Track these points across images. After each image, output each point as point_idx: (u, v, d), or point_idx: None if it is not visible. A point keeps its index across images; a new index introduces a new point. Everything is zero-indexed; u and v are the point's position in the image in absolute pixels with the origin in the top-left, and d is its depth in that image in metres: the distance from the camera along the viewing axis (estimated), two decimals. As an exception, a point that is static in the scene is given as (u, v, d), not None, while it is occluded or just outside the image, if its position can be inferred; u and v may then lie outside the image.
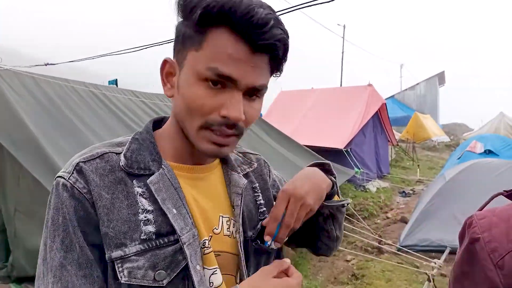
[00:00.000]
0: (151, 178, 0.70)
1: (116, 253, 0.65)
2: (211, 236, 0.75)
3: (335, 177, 0.91)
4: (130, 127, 4.51)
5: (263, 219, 0.81)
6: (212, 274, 0.72)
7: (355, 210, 6.68)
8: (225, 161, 0.84)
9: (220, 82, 0.64)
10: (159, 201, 0.68)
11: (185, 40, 0.66)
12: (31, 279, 3.36)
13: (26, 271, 3.38)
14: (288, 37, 0.66)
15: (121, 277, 0.64)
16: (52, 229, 0.66)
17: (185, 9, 0.65)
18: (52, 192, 0.69)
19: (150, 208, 0.68)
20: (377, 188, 8.88)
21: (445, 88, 30.43)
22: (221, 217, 0.77)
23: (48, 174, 3.02)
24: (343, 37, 22.54)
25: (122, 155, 0.71)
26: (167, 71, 0.71)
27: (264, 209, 0.85)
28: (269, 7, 0.64)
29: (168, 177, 0.71)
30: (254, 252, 0.80)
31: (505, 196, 0.64)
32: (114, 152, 0.72)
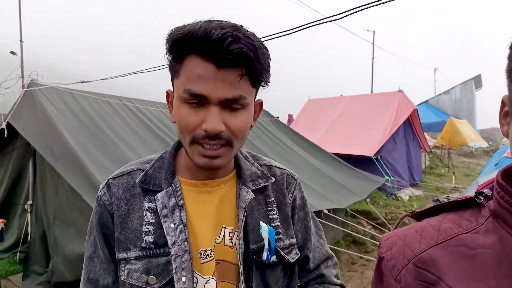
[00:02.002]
0: (158, 194, 0.82)
1: (121, 255, 0.80)
2: (215, 245, 0.82)
3: None
4: (161, 138, 4.68)
5: (276, 233, 0.86)
6: (206, 282, 0.81)
7: (386, 219, 6.54)
8: (239, 175, 0.89)
9: (196, 101, 0.72)
10: (160, 215, 0.79)
11: (171, 72, 0.77)
12: (69, 285, 3.53)
13: (65, 277, 3.57)
14: (254, 49, 0.70)
15: (121, 275, 0.80)
16: (89, 229, 0.87)
17: (166, 47, 0.75)
18: None
19: (152, 221, 0.80)
20: (410, 196, 8.65)
21: (482, 92, 29.20)
22: (223, 228, 0.84)
23: (84, 184, 3.20)
24: (373, 43, 22.23)
25: (143, 172, 0.84)
26: (170, 100, 0.82)
27: (277, 223, 0.88)
28: (233, 26, 0.71)
29: (174, 195, 0.81)
30: (256, 264, 0.84)
31: (410, 216, 0.70)
32: (141, 169, 0.85)
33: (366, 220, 6.17)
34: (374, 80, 21.72)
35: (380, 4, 2.35)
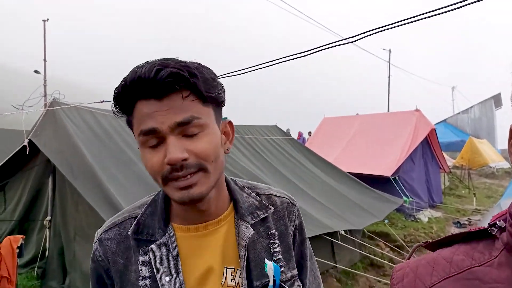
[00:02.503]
0: (152, 246, 0.79)
1: None
2: None
3: None
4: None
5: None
6: None
7: (404, 242, 6.37)
8: (236, 210, 0.85)
9: (153, 140, 0.71)
10: (154, 268, 0.77)
11: (130, 128, 0.77)
12: (84, 301, 3.54)
13: (80, 293, 3.58)
14: (187, 68, 0.69)
15: None
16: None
17: (116, 110, 0.76)
18: None
19: (148, 274, 0.78)
20: (429, 218, 8.43)
21: (502, 111, 28.61)
22: (225, 269, 0.81)
23: (102, 202, 3.24)
24: (389, 62, 22.21)
25: (136, 220, 0.82)
26: None
27: (280, 257, 0.85)
28: (163, 58, 0.71)
29: (168, 245, 0.79)
30: None
31: (423, 246, 0.69)
32: (133, 217, 0.83)
33: (384, 242, 6.02)
34: (390, 98, 21.60)
35: (399, 26, 2.36)
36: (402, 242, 6.26)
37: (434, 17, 2.42)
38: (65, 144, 3.85)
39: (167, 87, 0.68)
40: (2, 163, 4.86)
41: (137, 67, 0.71)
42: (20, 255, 2.99)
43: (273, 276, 0.81)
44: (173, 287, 0.75)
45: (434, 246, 0.67)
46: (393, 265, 5.19)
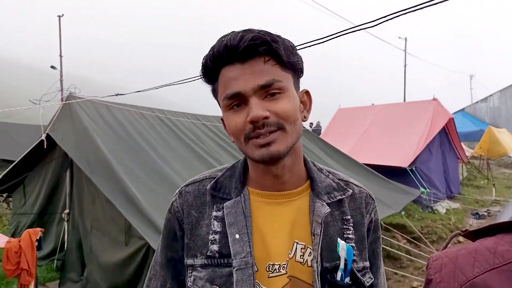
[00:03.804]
0: (227, 203, 0.82)
1: (189, 261, 0.82)
2: (288, 260, 0.79)
3: None
4: (192, 148, 4.73)
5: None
6: None
7: (422, 233, 6.29)
8: (312, 188, 0.84)
9: (238, 103, 0.75)
10: (226, 224, 0.79)
11: (215, 96, 0.84)
12: (103, 293, 3.59)
13: (99, 285, 3.63)
14: (269, 34, 0.74)
15: (187, 281, 0.82)
16: None
17: (203, 81, 0.83)
18: None
19: (219, 229, 0.81)
20: (447, 209, 8.28)
21: (523, 99, 27.81)
22: (295, 243, 0.80)
23: (118, 194, 3.26)
24: (405, 50, 21.76)
25: (215, 180, 0.87)
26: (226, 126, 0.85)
27: (353, 244, 0.82)
28: (245, 29, 0.76)
29: (242, 205, 0.81)
30: (329, 284, 0.78)
31: (462, 235, 0.66)
32: (212, 177, 0.88)
33: (401, 234, 5.95)
34: (407, 88, 21.19)
35: (415, 10, 2.28)
36: (419, 234, 6.18)
37: (451, 1, 2.32)
38: (81, 137, 3.89)
39: (250, 50, 0.73)
40: (21, 157, 4.96)
41: (223, 36, 0.77)
42: (39, 248, 3.04)
43: (345, 259, 0.78)
44: (242, 245, 0.77)
45: (473, 235, 0.63)
46: (410, 257, 5.12)
